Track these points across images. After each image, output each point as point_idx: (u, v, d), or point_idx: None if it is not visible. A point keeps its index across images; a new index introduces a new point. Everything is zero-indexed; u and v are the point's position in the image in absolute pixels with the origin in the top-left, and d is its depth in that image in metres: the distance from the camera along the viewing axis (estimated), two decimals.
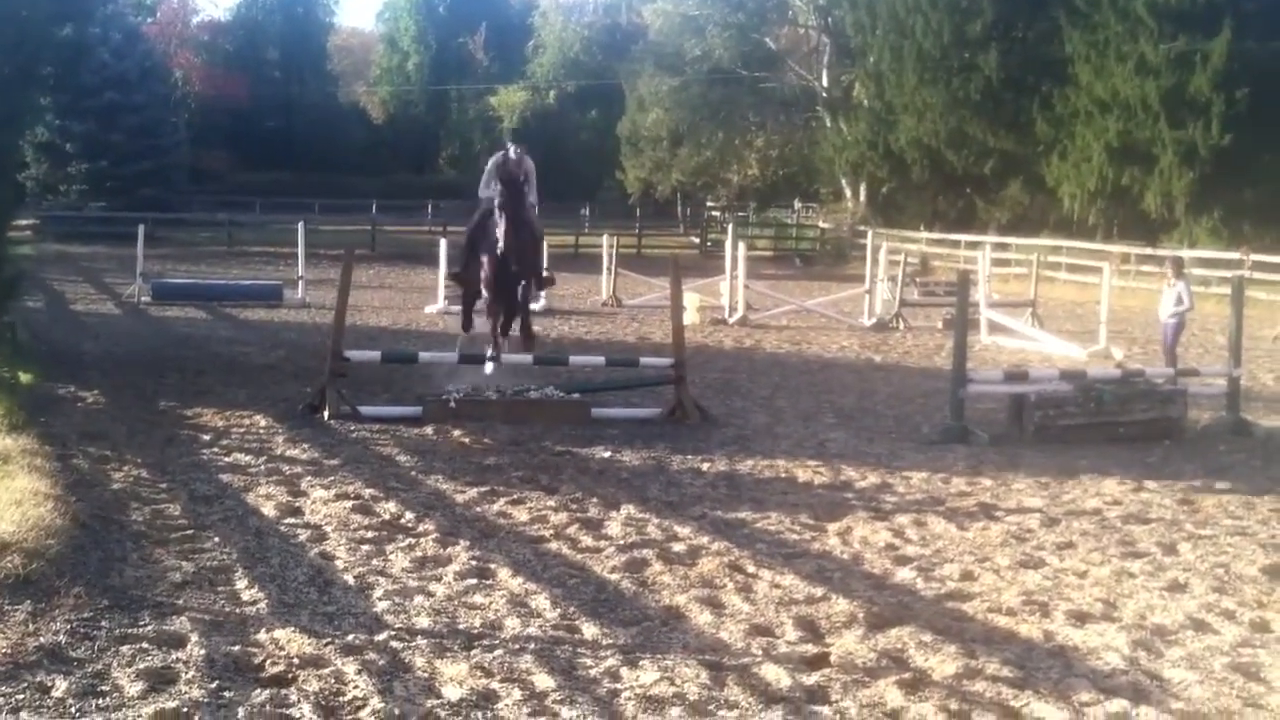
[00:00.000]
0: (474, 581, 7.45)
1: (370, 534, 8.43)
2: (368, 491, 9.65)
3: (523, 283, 13.70)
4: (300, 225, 29.69)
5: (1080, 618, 7.22)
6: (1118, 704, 5.90)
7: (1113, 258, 33.39)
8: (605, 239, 31.55)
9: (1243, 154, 36.58)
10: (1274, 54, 36.24)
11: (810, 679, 6.10)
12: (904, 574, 8.03)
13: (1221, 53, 36.48)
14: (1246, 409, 14.63)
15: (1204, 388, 14.79)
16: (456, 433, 12.23)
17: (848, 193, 56.93)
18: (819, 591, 7.53)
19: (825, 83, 58.93)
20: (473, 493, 9.79)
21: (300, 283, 27.29)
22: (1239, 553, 8.82)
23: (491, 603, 7.07)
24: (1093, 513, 9.88)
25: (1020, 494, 10.55)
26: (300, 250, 28.46)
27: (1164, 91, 37.86)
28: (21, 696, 5.40)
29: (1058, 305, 31.05)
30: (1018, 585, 7.81)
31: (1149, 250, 37.43)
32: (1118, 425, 13.24)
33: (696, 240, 57.29)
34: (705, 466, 11.20)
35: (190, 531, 8.30)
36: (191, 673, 5.76)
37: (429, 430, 12.37)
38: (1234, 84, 36.56)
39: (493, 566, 7.77)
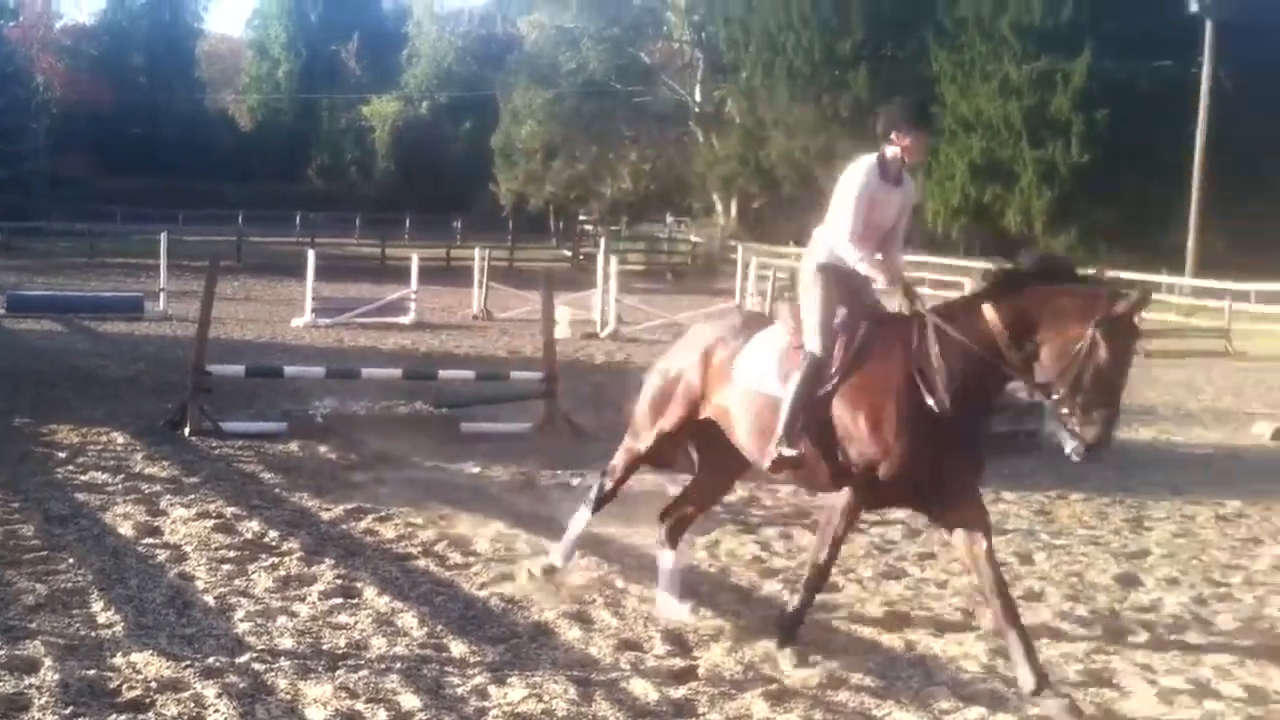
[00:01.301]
0: (339, 601, 7.35)
1: (232, 553, 8.25)
2: (230, 510, 9.44)
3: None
4: (163, 235, 29.05)
5: (940, 627, 7.38)
6: (975, 711, 6.05)
7: (974, 274, 34.16)
8: (477, 252, 31.39)
9: (1100, 173, 37.80)
10: (1132, 75, 37.51)
11: (678, 692, 6.14)
12: (770, 587, 8.13)
13: (1082, 73, 37.67)
14: None
15: None
16: (323, 449, 12.05)
17: (719, 207, 57.54)
18: (687, 605, 7.57)
19: (698, 98, 59.51)
20: (339, 510, 9.65)
21: (162, 295, 26.68)
22: (1093, 561, 9.10)
23: (357, 622, 6.98)
24: None
25: None
26: (163, 261, 27.82)
27: (1026, 111, 38.98)
28: None
29: None
30: (880, 596, 7.95)
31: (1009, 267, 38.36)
32: None
33: (569, 253, 57.33)
34: (575, 481, 11.19)
35: (44, 552, 8.03)
36: (45, 699, 5.59)
37: (294, 446, 12.15)
38: (1094, 104, 37.77)
39: (358, 585, 7.67)
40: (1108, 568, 8.93)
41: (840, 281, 6.79)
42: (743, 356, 7.10)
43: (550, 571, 7.75)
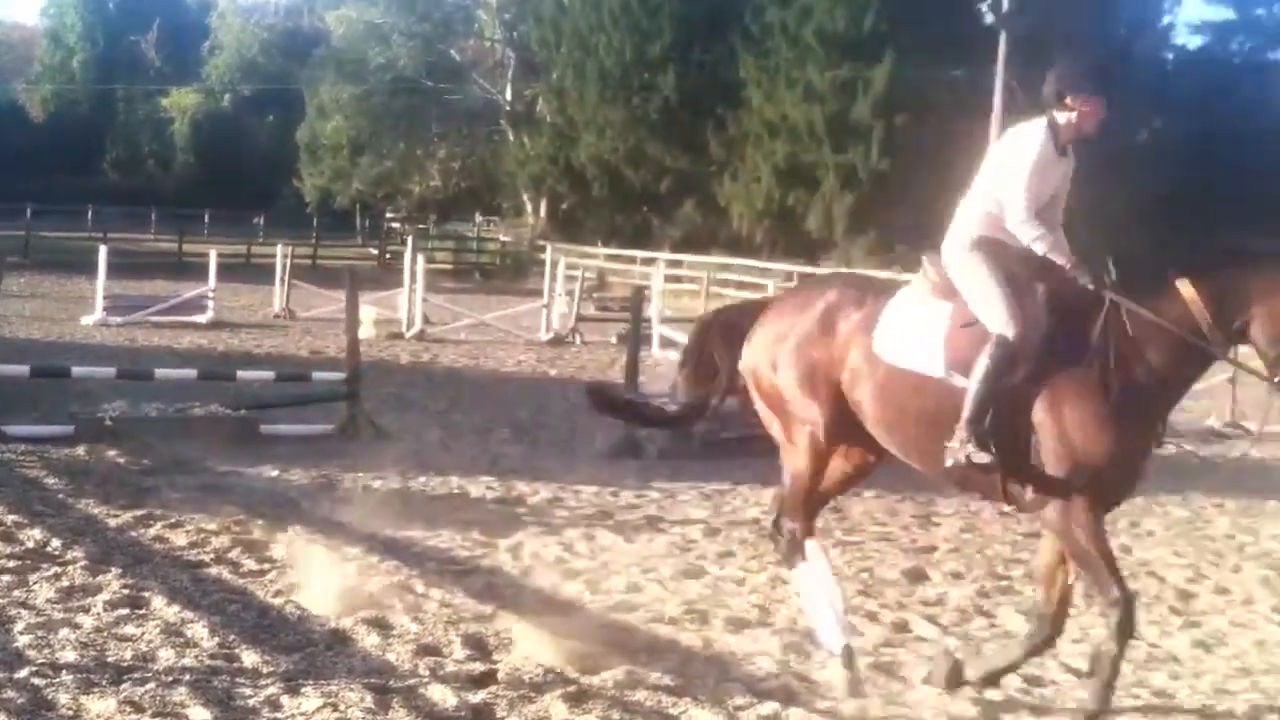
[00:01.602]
0: (125, 611, 7.09)
1: (12, 564, 7.89)
2: (10, 518, 9.02)
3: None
4: None
5: (738, 624, 7.52)
6: (769, 706, 6.17)
7: (777, 276, 34.90)
8: (279, 249, 30.75)
9: (898, 178, 38.94)
10: (930, 83, 38.76)
11: (476, 697, 6.12)
12: (572, 588, 8.16)
13: (883, 81, 38.78)
14: None
15: None
16: (111, 453, 11.63)
17: (529, 207, 57.52)
18: (488, 609, 7.55)
19: (509, 97, 59.41)
20: (127, 516, 9.32)
21: None
22: (883, 557, 9.39)
23: (144, 633, 6.75)
24: (752, 522, 10.28)
25: (686, 505, 10.89)
26: None
27: (829, 116, 39.92)
28: None
29: None
30: (680, 595, 8.06)
31: (810, 269, 39.33)
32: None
33: (375, 252, 56.55)
34: (377, 484, 11.06)
35: None
36: None
37: (81, 451, 11.68)
38: (893, 110, 38.94)
39: (146, 595, 7.42)
40: (897, 563, 9.22)
41: (1002, 255, 5.95)
42: (883, 329, 6.12)
43: (850, 659, 6.41)
